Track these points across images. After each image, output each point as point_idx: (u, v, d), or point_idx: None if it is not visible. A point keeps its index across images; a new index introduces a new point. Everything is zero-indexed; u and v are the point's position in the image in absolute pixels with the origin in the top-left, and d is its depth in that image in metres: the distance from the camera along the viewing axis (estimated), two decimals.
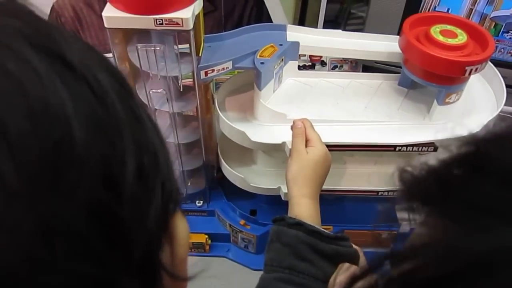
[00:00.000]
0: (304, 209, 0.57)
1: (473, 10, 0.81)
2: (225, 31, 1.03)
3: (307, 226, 0.54)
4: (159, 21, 0.56)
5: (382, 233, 0.80)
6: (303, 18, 1.03)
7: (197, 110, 0.68)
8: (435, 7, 0.82)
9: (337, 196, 0.75)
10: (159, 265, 0.24)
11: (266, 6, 1.00)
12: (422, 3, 0.82)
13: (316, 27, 1.03)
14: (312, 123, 0.63)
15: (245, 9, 1.00)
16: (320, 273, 0.51)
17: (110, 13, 0.57)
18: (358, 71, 1.09)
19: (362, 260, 0.56)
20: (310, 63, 1.07)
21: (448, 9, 0.80)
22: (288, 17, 1.02)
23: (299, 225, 0.54)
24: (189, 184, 0.81)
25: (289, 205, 0.59)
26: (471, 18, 0.81)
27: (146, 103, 0.66)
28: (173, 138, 0.71)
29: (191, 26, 0.57)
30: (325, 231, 0.55)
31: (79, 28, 0.98)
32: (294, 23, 1.03)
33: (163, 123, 0.70)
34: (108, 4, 0.58)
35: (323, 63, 1.08)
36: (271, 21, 1.02)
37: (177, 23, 0.57)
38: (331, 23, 1.06)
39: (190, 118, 0.73)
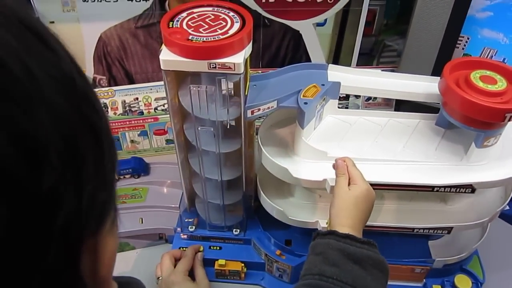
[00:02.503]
0: None
1: None
2: (262, 62, 1.07)
3: (338, 233, 0.56)
4: (213, 65, 0.60)
5: (416, 267, 0.81)
6: (338, 51, 1.06)
7: (242, 146, 0.71)
8: (492, 56, 0.84)
9: (371, 231, 0.77)
10: (75, 275, 0.25)
11: (303, 39, 1.03)
12: (480, 51, 0.84)
13: (351, 59, 1.06)
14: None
15: (283, 41, 1.04)
16: (350, 277, 0.52)
17: (166, 56, 0.61)
18: (391, 104, 1.11)
19: None
20: (344, 95, 1.10)
21: (504, 59, 0.82)
22: (324, 50, 1.05)
23: (330, 233, 0.57)
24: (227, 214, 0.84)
25: None
26: None
27: (194, 139, 0.70)
28: (217, 175, 0.74)
29: (242, 70, 0.60)
30: (357, 236, 0.57)
31: (124, 57, 1.03)
32: (330, 55, 1.06)
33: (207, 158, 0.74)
34: (164, 48, 0.62)
35: (357, 95, 1.10)
36: (307, 53, 1.05)
37: (229, 68, 0.60)
38: (365, 56, 1.09)
39: (233, 156, 0.76)
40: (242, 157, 0.73)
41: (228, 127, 0.69)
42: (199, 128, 0.68)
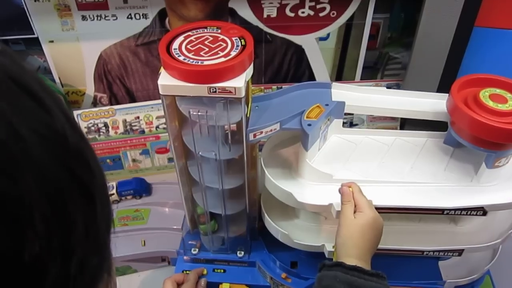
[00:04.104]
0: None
1: None
2: (264, 77, 1.05)
3: (345, 264, 0.55)
4: (213, 89, 0.58)
5: None
6: (342, 65, 1.04)
7: (243, 157, 0.69)
8: None
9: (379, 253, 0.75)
10: None
11: (306, 54, 1.01)
12: None
13: (355, 73, 1.04)
14: (359, 184, 0.64)
15: (285, 56, 1.02)
16: None
17: (165, 81, 0.59)
18: (397, 118, 1.09)
19: None
20: None
21: None
22: (328, 64, 1.03)
23: (337, 265, 0.55)
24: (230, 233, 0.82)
25: None
26: None
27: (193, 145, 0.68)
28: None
29: (243, 94, 0.58)
30: (365, 268, 0.55)
31: (124, 74, 1.02)
32: (333, 70, 1.04)
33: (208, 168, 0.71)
34: (163, 72, 0.60)
35: None
36: (310, 68, 1.04)
37: (230, 92, 0.58)
38: (369, 69, 1.07)
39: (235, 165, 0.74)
40: (245, 180, 0.71)
41: (230, 150, 0.67)
42: (200, 153, 0.66)
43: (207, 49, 0.60)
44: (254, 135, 0.65)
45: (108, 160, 1.03)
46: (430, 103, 0.72)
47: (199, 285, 0.79)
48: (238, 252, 0.84)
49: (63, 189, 0.22)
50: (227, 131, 0.66)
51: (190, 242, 0.85)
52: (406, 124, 1.08)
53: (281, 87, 1.04)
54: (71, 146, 0.23)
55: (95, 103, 1.04)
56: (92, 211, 0.24)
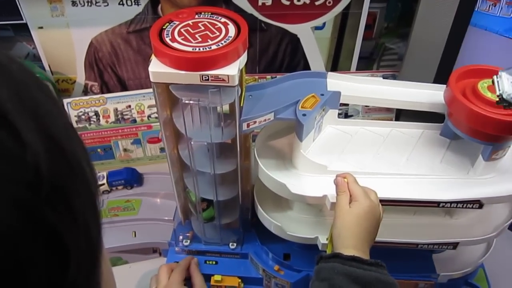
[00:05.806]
0: None
1: None
2: (259, 67, 1.04)
3: (343, 255, 0.53)
4: (205, 77, 0.57)
5: (420, 283, 0.78)
6: (337, 55, 1.03)
7: (235, 140, 0.68)
8: None
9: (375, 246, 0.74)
10: None
11: (301, 43, 1.00)
12: None
13: (350, 63, 1.03)
14: (354, 175, 0.62)
15: (280, 45, 1.00)
16: None
17: (156, 68, 0.57)
18: (392, 109, 1.08)
19: None
20: None
21: None
22: (323, 54, 1.02)
23: (335, 256, 0.54)
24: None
25: None
26: None
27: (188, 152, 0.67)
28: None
29: (236, 82, 0.57)
30: (364, 258, 0.53)
31: (116, 63, 0.99)
32: (328, 60, 1.03)
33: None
34: (154, 59, 0.58)
35: None
36: (305, 58, 1.02)
37: (223, 80, 0.57)
38: (365, 60, 1.06)
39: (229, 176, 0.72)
40: (238, 172, 0.69)
41: (222, 136, 0.66)
42: (192, 142, 0.64)
43: (199, 36, 0.58)
44: (248, 125, 0.64)
45: (99, 150, 1.01)
46: (427, 94, 0.70)
47: (193, 263, 0.78)
48: (230, 243, 0.83)
49: (27, 248, 0.18)
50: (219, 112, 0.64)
51: (182, 233, 0.84)
52: (401, 116, 1.07)
53: (276, 77, 1.02)
54: (44, 184, 0.19)
55: (86, 91, 1.02)
56: (62, 272, 0.20)
